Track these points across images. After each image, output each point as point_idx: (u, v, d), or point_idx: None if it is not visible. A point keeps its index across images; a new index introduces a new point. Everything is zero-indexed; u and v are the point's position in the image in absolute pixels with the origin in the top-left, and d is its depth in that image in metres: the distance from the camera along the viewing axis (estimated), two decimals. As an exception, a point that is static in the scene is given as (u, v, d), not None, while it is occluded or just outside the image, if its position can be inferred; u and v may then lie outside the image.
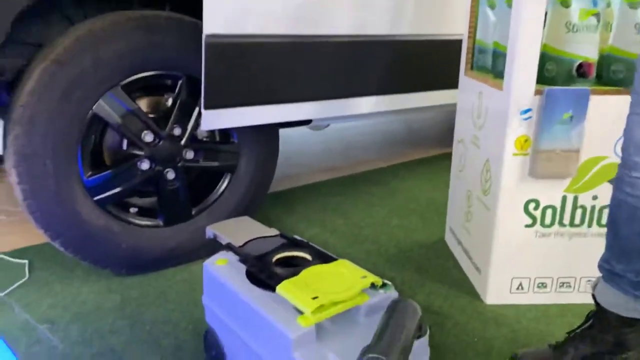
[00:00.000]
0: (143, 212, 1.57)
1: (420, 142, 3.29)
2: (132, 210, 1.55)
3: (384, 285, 0.98)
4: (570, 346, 1.12)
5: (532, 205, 1.34)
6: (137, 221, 1.52)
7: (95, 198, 1.43)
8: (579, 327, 1.13)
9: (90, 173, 1.42)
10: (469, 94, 1.59)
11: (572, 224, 1.36)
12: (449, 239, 1.79)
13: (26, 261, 1.63)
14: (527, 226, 1.36)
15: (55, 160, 1.32)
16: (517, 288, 1.42)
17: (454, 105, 1.76)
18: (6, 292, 1.45)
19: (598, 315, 1.10)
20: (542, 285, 1.41)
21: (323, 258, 1.06)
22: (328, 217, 2.01)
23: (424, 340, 0.94)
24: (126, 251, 1.49)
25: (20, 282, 1.51)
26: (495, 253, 1.39)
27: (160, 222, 1.55)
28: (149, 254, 1.53)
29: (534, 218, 1.35)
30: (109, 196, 1.45)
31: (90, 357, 1.19)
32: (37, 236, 1.79)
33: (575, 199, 1.34)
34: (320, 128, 2.60)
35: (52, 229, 1.38)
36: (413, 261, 1.66)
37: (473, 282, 1.53)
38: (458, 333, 1.30)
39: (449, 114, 3.81)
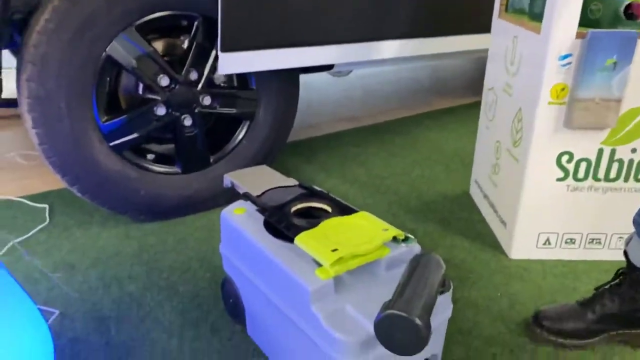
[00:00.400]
0: (160, 159, 1.54)
1: (447, 90, 3.17)
2: (149, 157, 1.52)
3: (406, 238, 0.94)
4: (597, 303, 1.08)
5: (565, 158, 1.27)
6: (154, 168, 1.50)
7: (112, 144, 1.40)
8: (607, 283, 1.09)
9: (106, 118, 1.38)
10: (502, 38, 1.49)
11: (607, 179, 1.29)
12: (474, 191, 1.73)
13: (46, 206, 1.63)
14: (558, 180, 1.29)
15: (69, 104, 1.29)
16: (544, 243, 1.37)
17: (485, 51, 1.66)
18: (27, 235, 1.46)
19: (628, 272, 1.05)
20: (571, 240, 1.36)
21: (343, 210, 1.01)
22: (348, 167, 1.96)
23: (447, 295, 0.90)
24: (144, 198, 1.47)
25: (41, 226, 1.52)
26: (522, 207, 1.33)
27: (178, 170, 1.52)
28: (167, 201, 1.51)
29: (566, 171, 1.28)
30: (125, 142, 1.42)
31: (110, 302, 1.19)
32: (56, 181, 1.79)
33: (613, 151, 1.26)
34: (343, 74, 2.51)
35: (69, 174, 1.36)
36: (436, 213, 1.62)
37: (498, 236, 1.48)
38: (480, 287, 1.26)
39: (478, 60, 3.66)
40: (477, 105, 2.75)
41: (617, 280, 1.07)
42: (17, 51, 1.39)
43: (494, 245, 1.44)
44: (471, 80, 3.43)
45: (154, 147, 1.60)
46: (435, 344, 0.94)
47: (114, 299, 1.20)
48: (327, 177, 1.87)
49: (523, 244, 1.37)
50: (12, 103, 1.51)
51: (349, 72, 2.64)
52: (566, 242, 1.36)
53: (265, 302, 0.96)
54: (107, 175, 1.40)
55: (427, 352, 0.93)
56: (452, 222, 1.57)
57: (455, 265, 1.35)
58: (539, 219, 1.34)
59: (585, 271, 1.33)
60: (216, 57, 1.45)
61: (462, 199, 1.72)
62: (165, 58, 1.43)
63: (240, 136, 1.61)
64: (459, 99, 2.92)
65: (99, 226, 1.52)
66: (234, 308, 1.10)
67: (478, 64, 3.76)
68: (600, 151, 1.26)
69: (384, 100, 2.93)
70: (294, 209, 1.02)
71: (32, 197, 1.69)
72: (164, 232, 1.49)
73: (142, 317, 1.14)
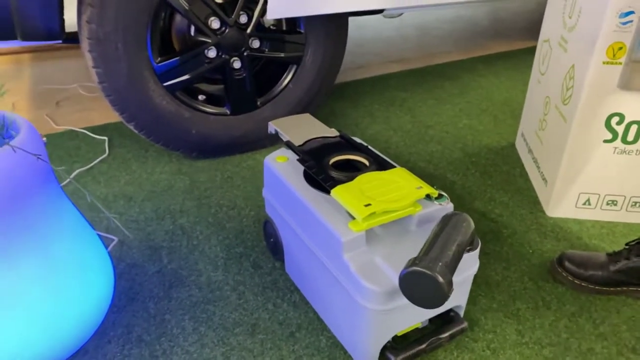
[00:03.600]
0: (211, 100, 1.60)
1: (505, 33, 3.03)
2: (201, 97, 1.58)
3: (439, 196, 0.98)
4: (623, 257, 1.10)
5: (615, 120, 1.24)
6: (205, 109, 1.56)
7: (165, 84, 1.46)
8: (639, 240, 1.10)
9: (159, 59, 1.44)
10: (564, -14, 1.41)
11: (658, 143, 1.25)
12: (519, 144, 1.71)
13: (106, 138, 1.75)
14: (605, 141, 1.27)
15: (126, 45, 1.35)
16: (584, 203, 1.36)
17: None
18: (89, 166, 1.58)
19: None
20: (612, 202, 1.35)
21: (381, 164, 1.05)
22: (394, 113, 1.97)
23: (475, 253, 0.94)
24: (195, 136, 1.55)
25: (101, 157, 1.64)
26: (565, 166, 1.32)
27: (227, 111, 1.58)
28: (216, 140, 1.59)
29: (615, 133, 1.25)
30: (177, 83, 1.48)
31: (163, 233, 1.30)
32: (114, 114, 1.90)
33: (668, 115, 1.21)
34: (394, 16, 2.44)
35: (127, 111, 1.45)
36: (478, 166, 1.62)
37: (538, 192, 1.48)
38: (513, 243, 1.29)
39: (540, 2, 3.44)
40: (534, 50, 2.63)
41: None
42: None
43: (533, 202, 1.45)
44: (532, 22, 3.25)
45: (205, 87, 1.66)
46: (460, 296, 1.00)
47: (167, 230, 1.31)
48: (371, 122, 1.89)
49: (562, 202, 1.37)
50: (74, 38, 1.59)
51: (400, 13, 2.56)
52: (607, 204, 1.35)
53: (302, 246, 1.03)
54: (161, 114, 1.48)
55: (451, 303, 0.99)
56: (493, 175, 1.57)
57: (491, 220, 1.38)
58: (581, 179, 1.33)
59: (623, 234, 1.32)
60: (265, 1, 1.46)
61: (506, 151, 1.71)
62: (217, 1, 1.45)
63: (287, 80, 1.63)
64: (516, 42, 2.79)
65: (154, 161, 1.62)
66: (274, 247, 1.19)
67: (540, 6, 3.53)
68: (654, 114, 1.22)
69: (438, 40, 2.84)
70: (332, 160, 1.06)
71: (93, 129, 1.81)
72: (213, 170, 1.58)
73: (191, 249, 1.25)
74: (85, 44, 1.34)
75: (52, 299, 0.84)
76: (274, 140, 1.69)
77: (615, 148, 1.27)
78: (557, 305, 1.11)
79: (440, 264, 0.77)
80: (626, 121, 1.23)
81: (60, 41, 1.36)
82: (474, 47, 2.74)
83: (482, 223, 1.36)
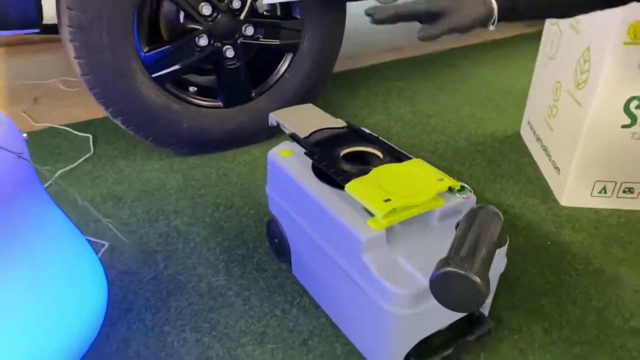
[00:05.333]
0: (203, 92, 1.51)
1: (497, 19, 2.97)
2: (192, 89, 1.49)
3: (462, 188, 0.90)
4: None
5: (634, 104, 1.18)
6: (197, 101, 1.46)
7: (154, 75, 1.37)
8: None
9: (147, 49, 1.34)
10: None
11: (678, 127, 1.19)
12: (525, 133, 1.65)
13: (90, 135, 1.64)
14: (623, 126, 1.21)
15: (111, 33, 1.25)
16: (600, 192, 1.30)
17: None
18: (73, 165, 1.48)
19: None
20: (629, 190, 1.29)
21: (395, 156, 0.97)
22: (392, 103, 1.89)
23: (502, 249, 0.87)
24: (187, 131, 1.46)
25: (86, 156, 1.53)
26: (580, 153, 1.26)
27: (220, 103, 1.49)
28: (209, 135, 1.49)
29: (633, 118, 1.19)
30: (167, 74, 1.38)
31: (157, 236, 1.21)
32: (99, 109, 1.78)
33: (689, 98, 1.16)
34: (389, 1, 2.36)
35: (113, 106, 1.35)
36: (485, 155, 1.56)
37: (549, 181, 1.42)
38: (529, 235, 1.23)
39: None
40: (531, 37, 2.58)
41: None
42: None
43: (545, 191, 1.39)
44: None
45: (195, 78, 1.57)
46: (485, 295, 0.93)
47: (161, 233, 1.22)
48: (370, 113, 1.81)
49: (577, 191, 1.31)
50: (52, 29, 1.48)
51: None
52: (624, 192, 1.30)
53: (313, 247, 0.95)
54: (150, 108, 1.38)
55: (476, 303, 0.92)
56: (501, 165, 1.51)
57: (503, 212, 1.31)
58: (597, 166, 1.27)
59: (641, 223, 1.27)
60: (260, -16, 1.37)
61: (512, 140, 1.65)
62: (207, -16, 1.36)
63: (283, 69, 1.55)
64: (509, 30, 2.73)
65: (143, 158, 1.53)
66: (280, 248, 1.11)
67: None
68: (675, 97, 1.16)
69: (430, 29, 2.76)
70: (343, 153, 0.98)
71: (76, 126, 1.70)
72: (207, 166, 1.48)
73: (189, 253, 1.16)
74: (65, 32, 1.24)
75: (41, 314, 0.75)
76: (271, 134, 1.60)
77: (634, 133, 1.21)
78: (583, 300, 1.05)
79: (475, 263, 0.70)
80: (646, 104, 1.18)
81: (38, 30, 1.25)
82: (467, 34, 2.67)
83: (494, 215, 1.30)
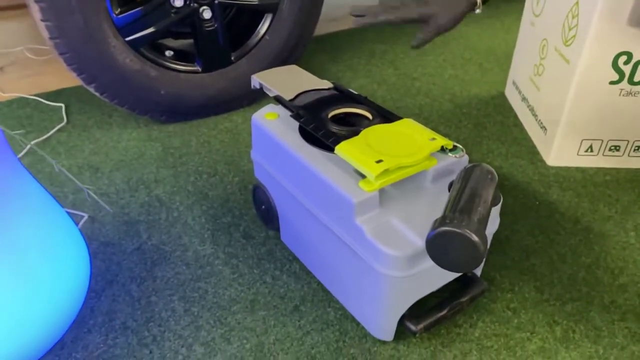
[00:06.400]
0: (180, 56, 1.44)
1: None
2: (168, 53, 1.42)
3: (454, 148, 0.88)
4: None
5: (622, 59, 1.16)
6: (174, 66, 1.40)
7: (127, 39, 1.30)
8: None
9: (119, 10, 1.27)
10: None
11: (665, 83, 1.19)
12: (510, 93, 1.63)
13: (62, 105, 1.56)
14: (611, 83, 1.19)
15: (79, -6, 1.17)
16: (586, 150, 1.30)
17: None
18: (46, 136, 1.41)
19: None
20: (615, 148, 1.29)
21: (384, 116, 0.94)
22: (375, 65, 1.85)
23: (496, 208, 0.86)
24: (165, 97, 1.40)
25: (59, 126, 1.47)
26: (567, 111, 1.24)
27: (199, 68, 1.43)
28: (188, 101, 1.44)
29: (621, 74, 1.18)
30: (142, 37, 1.31)
31: (138, 206, 1.17)
32: (70, 78, 1.71)
33: (677, 53, 1.15)
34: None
35: (85, 72, 1.28)
36: (470, 117, 1.54)
37: (535, 141, 1.41)
38: (518, 195, 1.22)
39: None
40: (513, -3, 2.54)
41: None
42: None
43: (532, 152, 1.38)
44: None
45: (172, 42, 1.50)
46: (478, 255, 0.92)
47: (142, 203, 1.18)
48: (354, 76, 1.77)
49: (564, 150, 1.31)
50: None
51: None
52: (610, 150, 1.30)
53: (302, 212, 0.93)
54: (125, 74, 1.31)
55: (468, 263, 0.91)
56: (487, 127, 1.49)
57: (491, 172, 1.30)
58: (584, 125, 1.26)
59: (628, 180, 1.27)
60: (237, -61, 1.30)
61: (497, 101, 1.63)
62: (181, -60, 1.28)
63: (263, 31, 1.48)
64: (492, -10, 2.68)
65: (120, 127, 1.46)
66: (267, 215, 1.08)
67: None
68: (663, 52, 1.15)
69: (411, -10, 2.70)
70: (331, 114, 0.94)
71: (47, 95, 1.62)
72: (187, 134, 1.43)
73: (172, 222, 1.12)
74: (30, -7, 1.16)
75: (21, 289, 0.71)
76: (252, 99, 1.55)
77: (622, 90, 1.20)
78: (573, 258, 1.05)
79: (472, 221, 0.68)
80: (634, 60, 1.16)
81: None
82: None
83: (482, 176, 1.28)
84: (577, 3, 1.19)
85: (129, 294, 0.95)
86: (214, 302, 0.94)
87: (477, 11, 0.88)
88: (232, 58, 1.47)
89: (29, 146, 1.34)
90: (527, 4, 1.52)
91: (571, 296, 0.96)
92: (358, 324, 0.90)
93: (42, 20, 1.18)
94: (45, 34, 1.21)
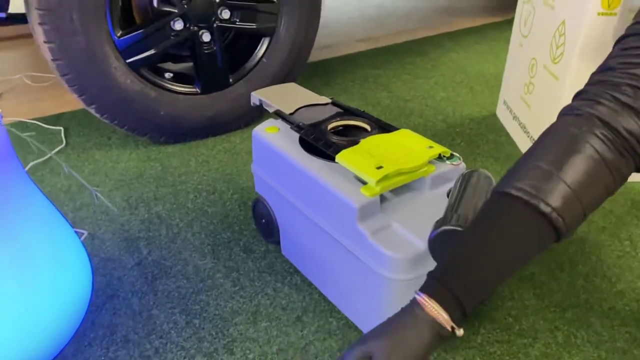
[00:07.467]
0: (179, 78, 1.47)
1: (466, 9, 3.02)
2: (167, 75, 1.45)
3: (451, 156, 0.90)
4: None
5: (609, 75, 1.20)
6: (174, 87, 1.43)
7: (128, 60, 1.33)
8: None
9: (121, 33, 1.30)
10: (544, -56, 1.37)
11: (651, 97, 1.22)
12: (501, 113, 1.67)
13: (61, 128, 1.58)
14: (599, 98, 1.23)
15: (82, 15, 1.21)
16: (578, 165, 1.33)
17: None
18: (46, 157, 1.42)
19: None
20: (606, 162, 1.32)
21: (382, 127, 0.97)
22: (369, 89, 1.89)
23: (494, 214, 0.87)
24: (164, 118, 1.42)
25: (58, 148, 1.48)
26: (558, 127, 1.28)
27: (197, 89, 1.46)
28: (187, 122, 1.46)
29: (609, 89, 1.22)
30: (142, 59, 1.34)
31: (138, 223, 1.17)
32: (68, 102, 1.74)
33: (661, 67, 1.19)
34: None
35: (86, 92, 1.30)
36: (463, 136, 1.57)
37: (528, 158, 1.44)
38: (513, 209, 1.24)
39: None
40: (499, 25, 2.63)
41: None
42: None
43: (525, 167, 1.41)
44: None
45: (171, 66, 1.53)
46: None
47: (142, 219, 1.18)
48: (348, 99, 1.81)
49: (556, 165, 1.33)
50: (20, 19, 1.42)
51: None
52: (601, 164, 1.32)
53: (304, 222, 0.94)
54: (125, 94, 1.34)
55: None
56: (480, 145, 1.52)
57: (486, 187, 1.32)
58: (575, 140, 1.29)
59: (621, 192, 1.30)
60: (235, -34, 1.35)
61: (488, 120, 1.67)
62: (181, -34, 1.33)
63: (260, 54, 1.52)
64: (479, 19, 2.78)
65: (119, 148, 1.48)
66: (267, 228, 1.08)
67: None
68: (647, 67, 1.19)
69: (401, 19, 2.79)
70: (330, 126, 0.97)
71: (46, 119, 1.64)
72: (186, 154, 1.45)
73: (172, 238, 1.13)
74: (34, 16, 1.19)
75: (24, 299, 0.71)
76: (250, 121, 1.58)
77: (610, 104, 1.24)
78: (570, 267, 1.06)
79: (471, 220, 0.70)
80: (620, 75, 1.20)
81: (4, 16, 1.20)
82: (438, 24, 2.70)
83: (478, 191, 1.31)
84: (563, 22, 1.24)
85: (130, 308, 0.95)
86: (216, 314, 0.94)
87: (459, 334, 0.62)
88: (231, 80, 1.50)
89: (27, 167, 1.34)
90: (515, 27, 1.57)
91: (571, 303, 0.97)
92: (360, 332, 0.90)
93: (45, 42, 1.21)
94: (48, 56, 1.24)
